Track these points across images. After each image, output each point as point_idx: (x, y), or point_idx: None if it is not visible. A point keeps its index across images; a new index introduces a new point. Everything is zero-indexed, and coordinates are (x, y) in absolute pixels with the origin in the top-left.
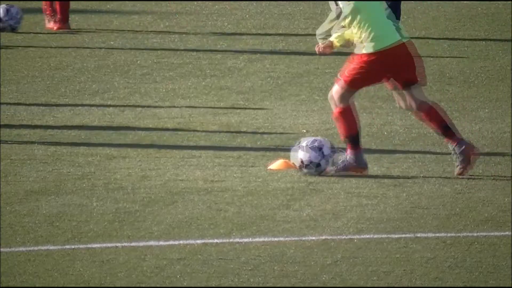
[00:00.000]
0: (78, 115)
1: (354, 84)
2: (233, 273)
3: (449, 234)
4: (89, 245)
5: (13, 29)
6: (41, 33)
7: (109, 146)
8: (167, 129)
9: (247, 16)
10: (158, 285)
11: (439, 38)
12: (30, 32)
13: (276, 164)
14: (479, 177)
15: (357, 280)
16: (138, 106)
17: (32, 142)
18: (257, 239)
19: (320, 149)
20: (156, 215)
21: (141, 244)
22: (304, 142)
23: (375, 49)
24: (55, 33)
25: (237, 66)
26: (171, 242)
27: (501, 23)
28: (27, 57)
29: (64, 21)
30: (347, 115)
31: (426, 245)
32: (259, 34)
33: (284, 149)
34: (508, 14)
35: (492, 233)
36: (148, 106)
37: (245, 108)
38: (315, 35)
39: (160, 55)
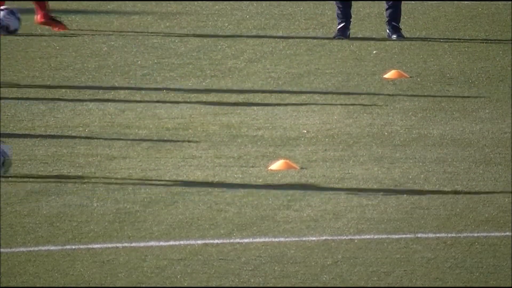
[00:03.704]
0: (79, 116)
1: None
2: (233, 273)
3: (449, 235)
4: (89, 246)
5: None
6: (41, 33)
7: (109, 146)
8: (167, 129)
9: (247, 16)
10: (158, 285)
11: (440, 39)
12: (30, 33)
13: (277, 165)
14: (480, 177)
15: (357, 281)
16: (138, 106)
17: (33, 142)
18: (257, 240)
19: None
20: (156, 215)
21: (142, 244)
22: None
23: None
24: (56, 34)
25: (237, 66)
26: (171, 243)
27: (501, 24)
28: (27, 58)
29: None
30: None
31: (426, 245)
32: (260, 34)
33: (284, 149)
34: (508, 15)
35: (493, 234)
36: (149, 105)
37: (246, 108)
38: (315, 35)
39: (160, 55)
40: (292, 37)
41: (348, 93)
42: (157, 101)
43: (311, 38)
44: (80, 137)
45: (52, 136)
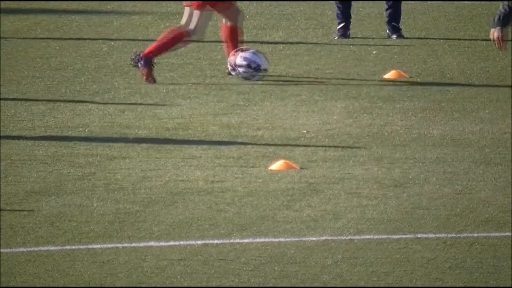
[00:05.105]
0: (79, 116)
1: None
2: (233, 273)
3: (449, 235)
4: (89, 246)
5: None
6: (41, 33)
7: (109, 146)
8: (167, 129)
9: (247, 16)
10: (158, 285)
11: (440, 39)
12: (31, 32)
13: (277, 165)
14: (480, 178)
15: (357, 281)
16: (138, 106)
17: (32, 142)
18: (257, 240)
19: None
20: (156, 215)
21: (142, 244)
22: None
23: None
24: (55, 33)
25: None
26: (171, 243)
27: None
28: (27, 58)
29: None
30: None
31: (426, 245)
32: (260, 34)
33: (284, 150)
34: None
35: (493, 234)
36: (149, 106)
37: (246, 108)
38: (315, 35)
39: (160, 55)
40: (292, 37)
41: (348, 93)
42: (157, 101)
43: (311, 38)
44: (80, 137)
45: (52, 136)
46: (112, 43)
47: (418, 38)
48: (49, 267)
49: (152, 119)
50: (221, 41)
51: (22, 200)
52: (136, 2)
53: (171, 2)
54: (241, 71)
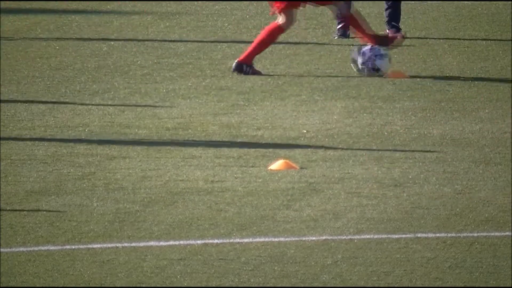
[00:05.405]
0: (78, 115)
1: None
2: (233, 273)
3: (449, 234)
4: (89, 245)
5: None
6: (41, 33)
7: (109, 146)
8: (167, 129)
9: (247, 16)
10: (158, 285)
11: (439, 38)
12: (31, 32)
13: (277, 165)
14: (480, 177)
15: (357, 280)
16: (138, 106)
17: (32, 142)
18: (257, 239)
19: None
20: (156, 215)
21: (142, 244)
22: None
23: None
24: (55, 33)
25: None
26: (171, 243)
27: (501, 23)
28: (27, 57)
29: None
30: None
31: (426, 245)
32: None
33: (284, 149)
34: (508, 14)
35: (493, 233)
36: (149, 106)
37: (245, 108)
38: (315, 35)
39: (160, 55)
40: (292, 37)
41: (348, 93)
42: (157, 101)
43: (311, 38)
44: (80, 137)
45: (52, 136)
46: (112, 43)
47: (418, 38)
48: (49, 266)
49: (152, 119)
50: (220, 41)
51: (22, 200)
52: (136, 2)
53: (171, 2)
54: (364, 68)
